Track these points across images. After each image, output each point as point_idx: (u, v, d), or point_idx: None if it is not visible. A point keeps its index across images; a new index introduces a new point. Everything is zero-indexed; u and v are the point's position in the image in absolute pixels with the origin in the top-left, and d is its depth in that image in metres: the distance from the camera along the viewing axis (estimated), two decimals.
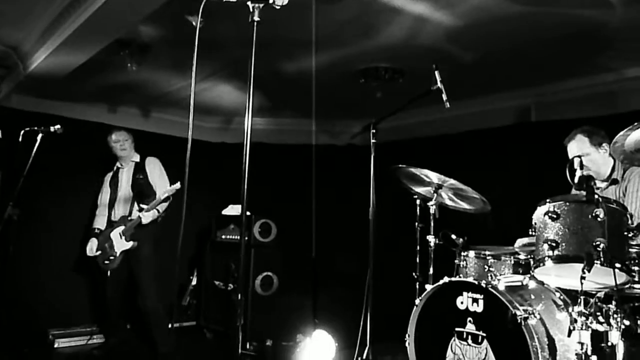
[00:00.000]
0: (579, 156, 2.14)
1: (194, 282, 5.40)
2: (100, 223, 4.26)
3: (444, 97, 2.84)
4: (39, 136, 3.52)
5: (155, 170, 4.24)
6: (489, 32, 3.64)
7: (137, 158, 4.31)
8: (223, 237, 5.03)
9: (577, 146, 2.91)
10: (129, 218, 4.06)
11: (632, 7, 3.26)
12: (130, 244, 3.99)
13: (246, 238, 4.75)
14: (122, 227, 4.03)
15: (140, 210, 4.01)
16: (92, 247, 4.14)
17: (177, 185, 3.90)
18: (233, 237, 4.90)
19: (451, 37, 3.72)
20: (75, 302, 4.92)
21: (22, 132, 3.47)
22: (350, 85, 4.64)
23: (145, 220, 3.97)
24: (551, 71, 4.37)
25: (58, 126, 3.56)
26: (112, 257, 4.03)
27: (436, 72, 2.91)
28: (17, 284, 4.36)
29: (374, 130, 3.14)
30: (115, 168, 4.35)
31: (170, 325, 4.46)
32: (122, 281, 4.10)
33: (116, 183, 4.26)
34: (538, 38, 3.73)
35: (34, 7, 3.49)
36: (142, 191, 4.14)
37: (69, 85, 4.52)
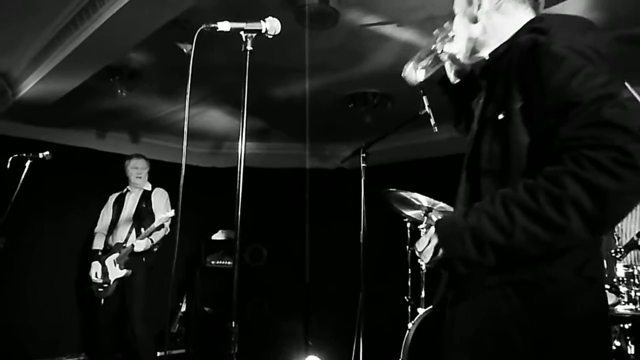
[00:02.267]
0: None
1: (183, 309, 5.32)
2: (99, 244, 4.20)
3: (432, 121, 2.88)
4: (28, 163, 3.49)
5: (162, 202, 4.22)
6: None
7: (148, 187, 4.31)
8: (213, 262, 5.00)
9: None
10: (123, 245, 4.01)
11: (614, 32, 3.37)
12: (124, 272, 3.93)
13: (236, 264, 4.71)
14: (116, 255, 3.98)
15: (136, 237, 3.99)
16: (96, 272, 4.02)
17: (171, 212, 3.89)
18: (223, 262, 4.87)
19: None
20: (62, 330, 4.82)
21: (10, 158, 3.44)
22: (340, 109, 4.70)
23: (138, 248, 3.92)
24: None
25: (47, 153, 3.54)
26: (105, 285, 3.96)
27: (424, 97, 2.96)
28: (1, 312, 4.27)
29: (364, 154, 3.17)
30: (124, 190, 4.33)
31: (159, 354, 4.39)
32: (115, 309, 4.03)
33: (120, 206, 4.23)
34: None
35: (25, 34, 3.51)
36: (143, 219, 4.10)
37: (58, 111, 4.51)
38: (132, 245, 3.91)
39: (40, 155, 3.52)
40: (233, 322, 1.36)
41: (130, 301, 3.95)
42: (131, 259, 3.95)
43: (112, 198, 4.34)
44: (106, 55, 3.53)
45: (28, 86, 4.05)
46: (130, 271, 3.93)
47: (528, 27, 1.21)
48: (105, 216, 4.29)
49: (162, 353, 4.59)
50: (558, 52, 1.07)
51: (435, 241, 1.12)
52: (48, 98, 4.21)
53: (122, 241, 4.04)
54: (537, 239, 1.00)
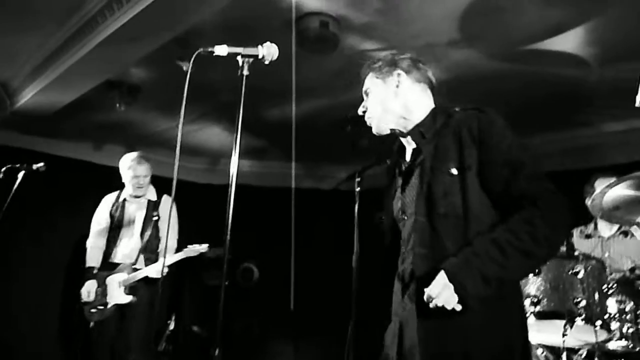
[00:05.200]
0: None
1: (171, 327, 5.24)
2: (94, 259, 3.59)
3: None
4: (21, 174, 3.45)
5: (172, 215, 3.67)
6: (471, 86, 3.77)
7: (153, 195, 3.73)
8: (204, 280, 4.94)
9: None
10: (134, 266, 3.48)
11: (607, 67, 3.42)
12: (130, 298, 3.39)
13: (227, 283, 4.67)
14: (125, 276, 3.43)
15: (147, 260, 3.52)
16: (89, 291, 3.44)
17: (204, 248, 3.48)
18: (215, 281, 4.80)
19: (435, 88, 3.84)
20: (50, 353, 4.68)
21: (3, 169, 3.41)
22: (337, 131, 4.71)
23: (154, 275, 3.41)
24: (533, 124, 4.49)
25: (41, 164, 3.47)
26: (100, 307, 3.41)
27: None
28: None
29: (359, 179, 3.16)
30: (120, 198, 3.71)
31: None
32: (110, 339, 3.45)
33: (121, 216, 3.64)
34: (519, 93, 3.87)
35: (27, 45, 3.53)
36: (153, 237, 3.61)
37: (55, 122, 4.51)
38: (146, 270, 3.43)
39: (34, 166, 3.46)
40: (217, 349, 1.32)
41: (129, 329, 3.42)
42: (138, 284, 3.43)
43: (108, 204, 3.72)
44: (106, 70, 3.55)
45: (27, 97, 4.06)
46: (135, 298, 3.41)
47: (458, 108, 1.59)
48: (99, 226, 3.67)
49: None
50: (502, 125, 1.48)
51: (450, 286, 1.32)
52: (46, 109, 4.22)
53: (133, 261, 3.51)
54: (524, 266, 1.40)
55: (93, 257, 3.60)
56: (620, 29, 2.97)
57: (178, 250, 3.57)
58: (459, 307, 1.31)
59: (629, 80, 3.51)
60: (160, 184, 4.14)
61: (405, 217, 1.56)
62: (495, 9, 2.83)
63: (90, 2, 2.93)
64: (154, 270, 3.42)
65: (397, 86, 1.64)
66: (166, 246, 3.57)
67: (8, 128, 4.72)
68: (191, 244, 3.58)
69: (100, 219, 3.70)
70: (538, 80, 3.65)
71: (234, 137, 1.46)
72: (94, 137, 5.31)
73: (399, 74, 1.66)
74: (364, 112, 1.72)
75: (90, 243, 3.67)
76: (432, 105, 1.67)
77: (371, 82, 1.71)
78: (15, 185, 3.42)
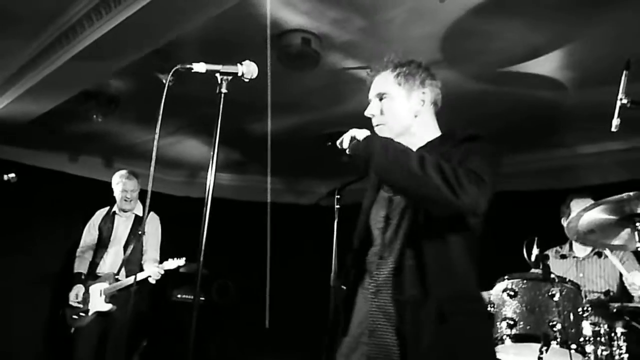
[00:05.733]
0: (535, 237, 2.20)
1: (144, 343, 5.11)
2: (82, 267, 3.77)
3: None
4: None
5: (156, 233, 3.88)
6: (449, 106, 3.75)
7: (139, 210, 3.91)
8: (179, 296, 4.84)
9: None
10: (116, 277, 3.64)
11: (583, 90, 3.50)
12: (109, 306, 3.55)
13: (202, 298, 4.60)
14: (106, 285, 3.59)
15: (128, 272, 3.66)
16: (77, 294, 3.61)
17: (181, 262, 3.59)
18: (189, 296, 4.70)
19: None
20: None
21: None
22: (317, 147, 4.71)
23: (126, 283, 3.60)
24: (508, 143, 4.55)
25: (12, 175, 3.37)
26: (82, 314, 3.58)
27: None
28: None
29: (339, 196, 3.15)
30: (111, 212, 3.90)
31: None
32: (90, 346, 3.57)
33: (110, 229, 3.81)
34: (497, 114, 3.92)
35: (2, 54, 3.45)
36: (135, 250, 3.77)
37: (31, 131, 4.40)
38: (124, 280, 3.60)
39: (5, 177, 3.37)
40: None
41: (108, 336, 3.55)
42: (119, 293, 3.58)
43: (99, 217, 3.91)
44: (84, 80, 3.49)
45: (1, 105, 3.96)
46: (115, 307, 3.55)
47: (460, 133, 1.54)
48: (90, 237, 3.86)
49: None
50: (487, 153, 1.46)
51: (363, 133, 1.44)
52: (21, 118, 4.12)
53: (115, 272, 3.66)
54: (404, 174, 1.34)
55: (81, 265, 3.78)
56: (596, 53, 3.04)
57: (160, 263, 3.68)
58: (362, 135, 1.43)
59: (604, 104, 3.60)
60: (139, 195, 4.06)
61: (389, 224, 1.48)
62: (476, 31, 2.88)
63: (69, 13, 2.88)
64: (134, 280, 3.58)
65: (422, 105, 1.56)
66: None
67: None
68: (168, 257, 3.68)
69: (91, 231, 3.89)
70: (516, 102, 3.71)
71: (217, 146, 1.43)
72: (70, 147, 5.20)
73: (424, 93, 1.57)
74: (372, 115, 1.59)
75: (78, 252, 3.86)
76: (437, 127, 1.61)
77: (393, 89, 1.56)
78: None
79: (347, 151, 1.50)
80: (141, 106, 4.07)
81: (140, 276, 3.55)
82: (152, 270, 3.53)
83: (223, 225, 2.80)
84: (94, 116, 3.91)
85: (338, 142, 1.51)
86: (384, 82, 1.58)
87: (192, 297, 5.01)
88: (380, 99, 1.58)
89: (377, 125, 1.59)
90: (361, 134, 1.46)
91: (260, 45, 3.04)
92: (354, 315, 1.49)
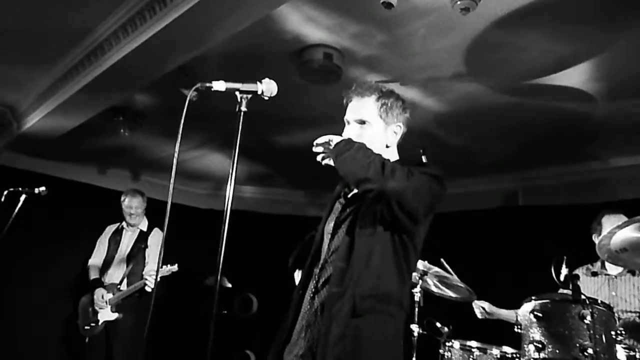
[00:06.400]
0: (563, 256, 2.11)
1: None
2: (94, 274, 4.01)
3: None
4: (22, 197, 3.44)
5: (156, 248, 4.01)
6: (476, 119, 3.74)
7: (144, 226, 4.10)
8: (200, 309, 4.85)
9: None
10: (119, 287, 3.84)
11: (613, 102, 3.40)
12: (115, 315, 3.76)
13: (225, 312, 4.58)
14: (110, 296, 3.80)
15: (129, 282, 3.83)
16: (103, 295, 3.82)
17: (175, 268, 3.70)
18: (210, 310, 4.70)
19: (440, 121, 3.82)
20: None
21: (5, 192, 3.40)
22: None
23: (127, 293, 3.78)
24: (539, 157, 4.44)
25: (43, 188, 3.46)
26: (93, 325, 3.80)
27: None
28: None
29: None
30: (120, 227, 4.13)
31: None
32: (102, 355, 3.80)
33: (117, 243, 4.05)
34: (525, 126, 3.83)
35: (34, 71, 3.57)
36: (137, 263, 3.94)
37: (61, 145, 4.53)
38: (127, 290, 3.78)
39: (36, 190, 3.45)
40: None
41: (113, 345, 3.76)
42: (123, 302, 3.79)
43: (109, 232, 4.16)
44: (112, 96, 3.57)
45: (33, 120, 4.09)
46: (121, 315, 3.77)
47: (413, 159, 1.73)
48: (101, 250, 4.10)
49: None
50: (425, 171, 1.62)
51: (337, 138, 1.65)
52: (52, 133, 4.24)
53: (117, 282, 3.87)
54: (352, 163, 1.57)
55: (93, 272, 4.03)
56: (626, 64, 2.95)
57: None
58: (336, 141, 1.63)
59: (637, 116, 3.50)
60: (163, 207, 4.07)
61: (336, 233, 1.69)
62: (501, 43, 2.83)
63: (97, 31, 2.96)
64: (133, 288, 3.75)
65: (394, 137, 1.74)
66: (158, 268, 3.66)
67: (14, 150, 4.76)
68: (193, 269, 3.91)
69: (102, 244, 4.14)
70: (544, 114, 3.62)
71: (236, 164, 1.46)
72: (98, 160, 5.33)
73: (399, 126, 1.74)
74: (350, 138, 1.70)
75: (90, 263, 4.11)
76: (397, 153, 1.78)
77: (374, 119, 1.71)
78: (16, 209, 3.41)
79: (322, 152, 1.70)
80: (166, 121, 4.14)
81: (137, 285, 3.73)
82: (145, 278, 3.72)
83: (247, 237, 2.81)
84: (122, 131, 4.00)
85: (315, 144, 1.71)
86: (367, 109, 1.72)
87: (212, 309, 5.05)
88: (360, 123, 1.72)
89: None
90: (336, 138, 1.67)
91: (283, 60, 3.07)
92: (300, 315, 1.68)
